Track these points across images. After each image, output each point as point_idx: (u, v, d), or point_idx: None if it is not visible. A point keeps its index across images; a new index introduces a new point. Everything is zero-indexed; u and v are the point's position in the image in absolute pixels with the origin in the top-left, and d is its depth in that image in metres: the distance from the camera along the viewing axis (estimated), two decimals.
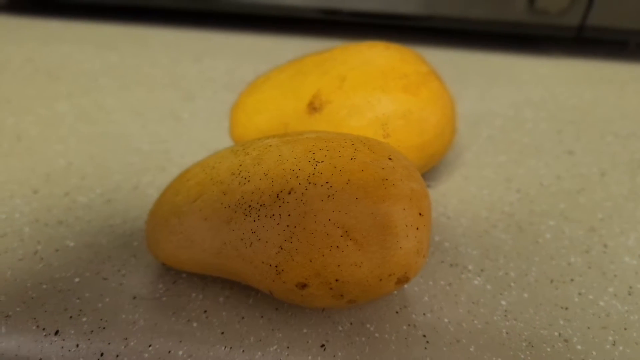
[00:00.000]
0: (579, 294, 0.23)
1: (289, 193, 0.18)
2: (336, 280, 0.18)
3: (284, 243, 0.18)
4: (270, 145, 0.20)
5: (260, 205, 0.18)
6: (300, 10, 0.41)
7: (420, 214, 0.18)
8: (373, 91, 0.23)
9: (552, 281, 0.23)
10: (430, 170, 0.29)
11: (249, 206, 0.18)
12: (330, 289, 0.18)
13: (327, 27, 0.46)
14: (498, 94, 0.38)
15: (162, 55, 0.42)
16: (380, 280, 0.18)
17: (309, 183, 0.18)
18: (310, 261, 0.17)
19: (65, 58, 0.41)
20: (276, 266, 0.18)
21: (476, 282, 0.23)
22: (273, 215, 0.18)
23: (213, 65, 0.41)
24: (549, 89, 0.39)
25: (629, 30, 0.38)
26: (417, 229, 0.18)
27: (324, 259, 0.17)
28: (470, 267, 0.24)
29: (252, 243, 0.18)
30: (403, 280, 0.19)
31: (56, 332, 0.20)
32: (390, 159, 0.19)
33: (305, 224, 0.17)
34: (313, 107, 0.24)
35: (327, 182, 0.18)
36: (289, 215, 0.18)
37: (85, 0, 0.45)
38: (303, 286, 0.18)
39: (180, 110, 0.35)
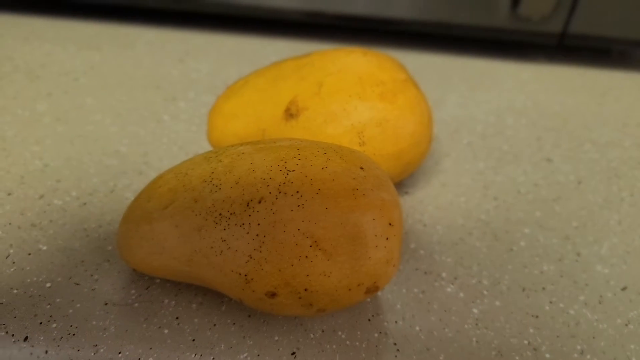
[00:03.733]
0: (550, 302, 0.23)
1: (259, 202, 0.18)
2: (305, 290, 0.18)
3: (254, 252, 0.18)
4: (243, 153, 0.20)
5: (231, 214, 0.18)
6: (284, 13, 0.40)
7: (390, 224, 0.18)
8: (349, 98, 0.23)
9: (524, 289, 0.23)
10: (408, 177, 0.29)
11: (220, 214, 0.18)
12: (300, 298, 0.18)
13: (311, 30, 0.46)
14: (480, 100, 0.38)
15: (145, 56, 0.42)
16: (350, 290, 0.18)
17: (280, 192, 0.18)
18: (279, 271, 0.18)
19: (46, 57, 0.41)
20: (245, 275, 0.18)
21: (449, 289, 0.23)
22: (243, 224, 0.18)
23: (196, 66, 0.41)
24: (530, 96, 0.39)
25: (611, 38, 0.38)
26: (387, 239, 0.18)
27: (293, 269, 0.17)
28: (443, 275, 0.24)
29: (222, 251, 0.18)
30: (373, 289, 0.19)
31: (25, 339, 0.20)
32: (361, 168, 0.19)
33: (275, 234, 0.17)
34: (290, 114, 0.24)
35: (297, 192, 0.18)
36: (259, 224, 0.18)
37: None
38: (272, 295, 0.18)
39: (161, 112, 0.34)
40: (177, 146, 0.31)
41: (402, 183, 0.29)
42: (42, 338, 0.20)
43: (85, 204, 0.27)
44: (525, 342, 0.21)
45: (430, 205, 0.28)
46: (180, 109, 0.35)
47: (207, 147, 0.31)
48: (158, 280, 0.23)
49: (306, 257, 0.17)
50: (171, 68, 0.40)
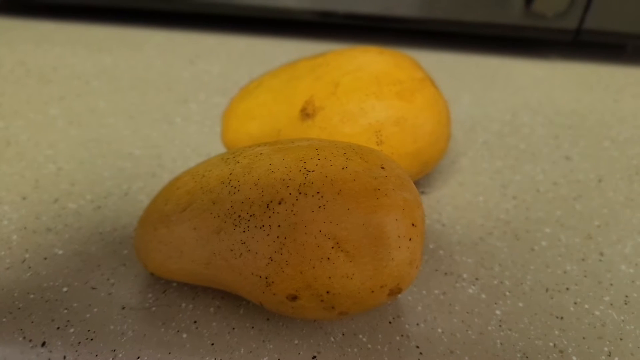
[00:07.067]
0: (575, 303, 0.22)
1: (279, 203, 0.18)
2: (327, 292, 0.17)
3: (274, 254, 0.17)
4: (261, 154, 0.20)
5: (250, 216, 0.18)
6: (295, 13, 0.40)
7: (413, 225, 0.18)
8: (366, 97, 0.23)
9: (547, 290, 0.23)
10: (425, 177, 0.29)
11: (239, 216, 0.18)
12: (322, 301, 0.18)
13: (322, 30, 0.46)
14: (494, 98, 0.38)
15: (156, 58, 0.42)
16: (372, 292, 0.18)
17: (300, 193, 0.17)
18: (301, 273, 0.17)
19: (57, 60, 0.41)
20: (266, 278, 0.18)
21: (471, 291, 0.23)
22: (263, 226, 0.18)
23: (207, 68, 0.40)
24: (546, 93, 0.38)
25: (627, 34, 0.38)
26: (410, 239, 0.18)
27: (314, 271, 0.17)
28: (464, 276, 0.23)
29: (241, 254, 0.18)
30: (395, 291, 0.18)
31: (43, 344, 0.20)
32: (382, 167, 0.19)
33: (296, 235, 0.17)
34: (306, 114, 0.24)
35: (318, 192, 0.17)
36: (279, 226, 0.17)
37: (77, 1, 0.44)
38: (293, 298, 0.18)
39: (173, 114, 0.34)
40: (190, 148, 0.31)
41: (419, 182, 0.29)
42: (59, 343, 0.20)
43: (99, 207, 0.26)
44: (551, 344, 0.21)
45: (449, 204, 0.27)
46: (192, 110, 0.35)
47: (219, 149, 0.31)
48: (175, 284, 0.22)
49: (328, 259, 0.17)
50: (182, 70, 0.40)
